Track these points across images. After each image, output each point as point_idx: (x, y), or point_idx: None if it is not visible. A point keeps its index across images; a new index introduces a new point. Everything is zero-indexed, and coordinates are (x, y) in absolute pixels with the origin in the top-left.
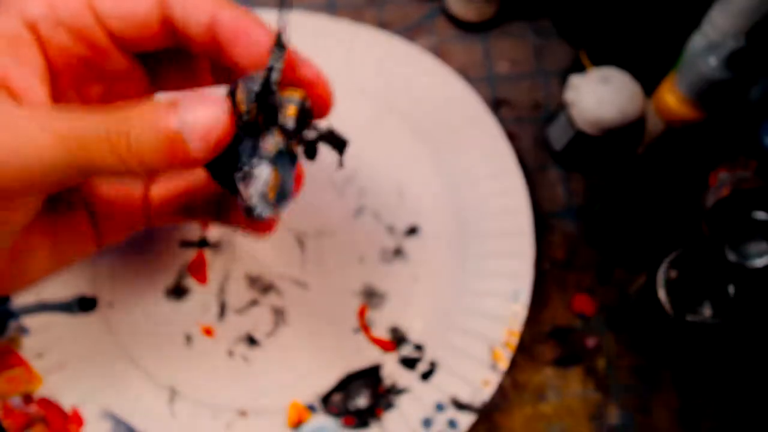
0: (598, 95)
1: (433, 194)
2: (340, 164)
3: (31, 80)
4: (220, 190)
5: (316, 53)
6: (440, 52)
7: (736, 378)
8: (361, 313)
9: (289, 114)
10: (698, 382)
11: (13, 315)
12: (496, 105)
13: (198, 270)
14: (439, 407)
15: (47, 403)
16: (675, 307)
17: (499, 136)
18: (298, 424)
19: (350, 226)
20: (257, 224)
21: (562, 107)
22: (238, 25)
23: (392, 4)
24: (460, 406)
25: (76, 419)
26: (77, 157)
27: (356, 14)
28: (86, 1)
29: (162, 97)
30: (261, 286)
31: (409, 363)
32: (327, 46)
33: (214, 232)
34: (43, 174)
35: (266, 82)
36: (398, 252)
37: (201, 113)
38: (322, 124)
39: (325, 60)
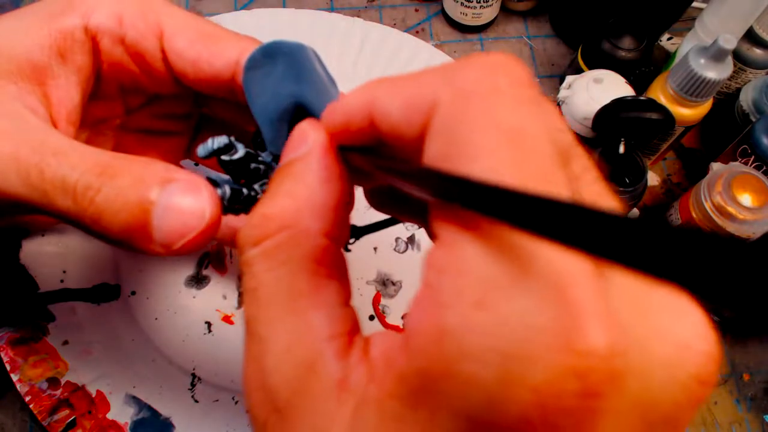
0: (590, 93)
1: None
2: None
3: (68, 83)
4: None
5: (326, 48)
6: None
7: None
8: (376, 301)
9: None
10: None
11: (39, 302)
12: None
13: (218, 260)
14: None
15: (73, 388)
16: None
17: None
18: None
19: (363, 217)
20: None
21: (557, 106)
22: None
23: (391, 6)
24: None
25: (102, 403)
26: (35, 188)
27: (356, 17)
28: (156, 29)
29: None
30: None
31: None
32: (337, 42)
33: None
34: None
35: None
36: (411, 240)
37: (187, 202)
38: None
39: (334, 54)
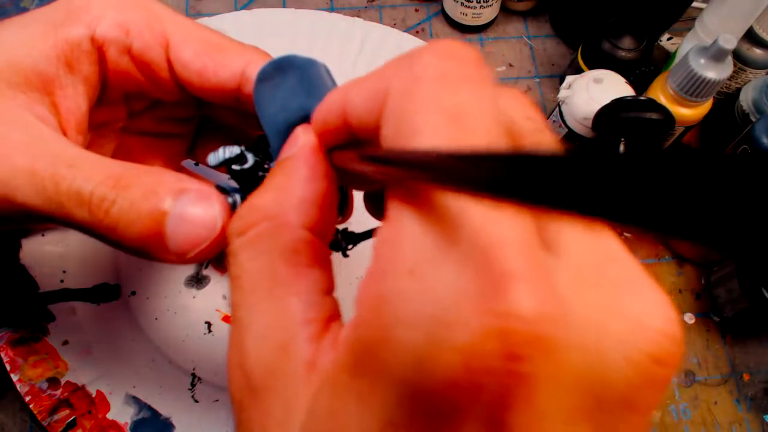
0: (590, 93)
1: None
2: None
3: (75, 92)
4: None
5: (326, 48)
6: None
7: None
8: None
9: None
10: None
11: (39, 302)
12: None
13: (218, 260)
14: None
15: (73, 388)
16: None
17: None
18: None
19: (362, 216)
20: None
21: (557, 106)
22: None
23: (391, 6)
24: None
25: (102, 403)
26: (51, 200)
27: (356, 17)
28: (162, 39)
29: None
30: None
31: None
32: (337, 42)
33: None
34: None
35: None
36: None
37: (199, 212)
38: None
39: (334, 54)
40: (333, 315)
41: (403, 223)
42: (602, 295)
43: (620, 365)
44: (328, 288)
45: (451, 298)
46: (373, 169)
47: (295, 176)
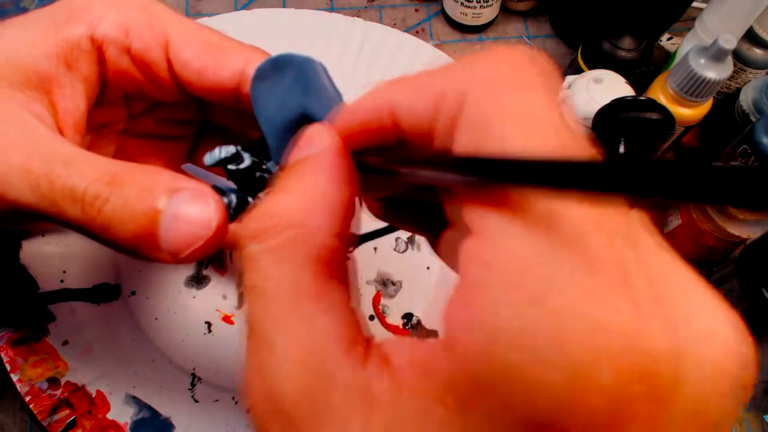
0: (590, 93)
1: None
2: None
3: (74, 91)
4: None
5: (326, 48)
6: None
7: None
8: (376, 301)
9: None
10: None
11: (39, 302)
12: None
13: (218, 260)
14: None
15: (73, 388)
16: None
17: None
18: None
19: (364, 217)
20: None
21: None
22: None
23: (391, 7)
24: None
25: (102, 403)
26: (44, 198)
27: (356, 17)
28: (162, 39)
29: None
30: None
31: None
32: (337, 42)
33: None
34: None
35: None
36: (411, 241)
37: (194, 212)
38: None
39: (334, 54)
40: (364, 331)
41: (510, 240)
42: (676, 317)
43: (717, 393)
44: (354, 301)
45: (589, 329)
46: (446, 176)
47: (321, 180)
